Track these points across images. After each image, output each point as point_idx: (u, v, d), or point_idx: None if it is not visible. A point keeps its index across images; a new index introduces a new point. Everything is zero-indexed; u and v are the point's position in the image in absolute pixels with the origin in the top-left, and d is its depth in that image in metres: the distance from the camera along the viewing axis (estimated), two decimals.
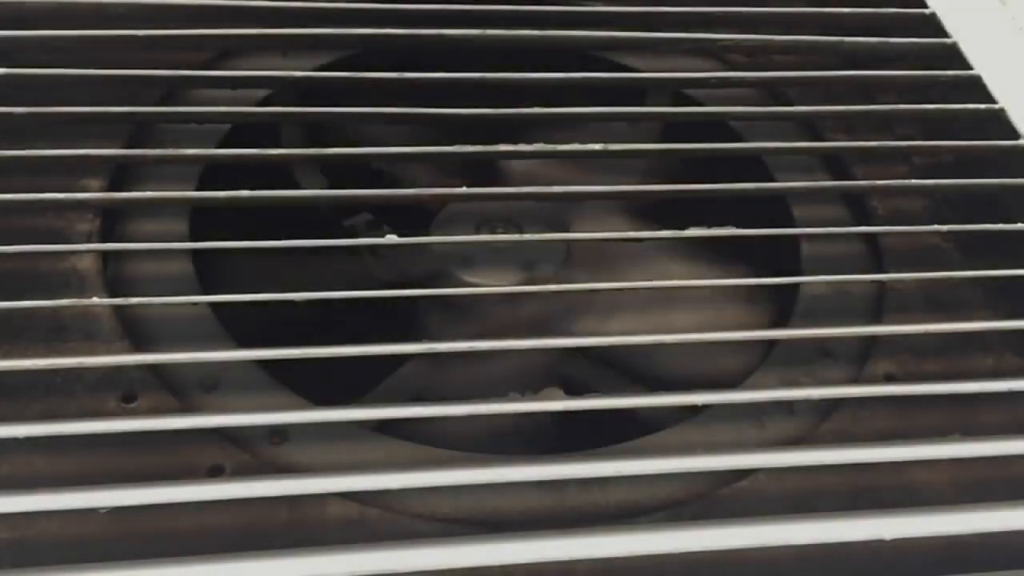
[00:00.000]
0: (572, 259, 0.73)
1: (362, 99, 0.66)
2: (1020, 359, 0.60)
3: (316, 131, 0.81)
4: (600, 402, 0.51)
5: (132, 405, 0.52)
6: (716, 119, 0.75)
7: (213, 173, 0.67)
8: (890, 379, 0.59)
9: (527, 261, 0.71)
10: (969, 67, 0.70)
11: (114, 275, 0.61)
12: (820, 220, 0.71)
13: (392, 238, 0.60)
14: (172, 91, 0.72)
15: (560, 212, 0.77)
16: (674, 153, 0.67)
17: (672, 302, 0.71)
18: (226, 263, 0.66)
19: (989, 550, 0.48)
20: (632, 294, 0.70)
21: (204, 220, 0.65)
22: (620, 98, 0.68)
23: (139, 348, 0.56)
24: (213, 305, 0.58)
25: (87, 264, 0.59)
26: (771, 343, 0.62)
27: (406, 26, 0.69)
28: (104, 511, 0.45)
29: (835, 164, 0.74)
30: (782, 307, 0.66)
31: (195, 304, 0.58)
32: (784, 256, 0.69)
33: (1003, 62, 0.70)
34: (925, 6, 0.75)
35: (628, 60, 0.82)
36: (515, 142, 0.64)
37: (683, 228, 0.62)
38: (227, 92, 0.72)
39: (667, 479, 0.51)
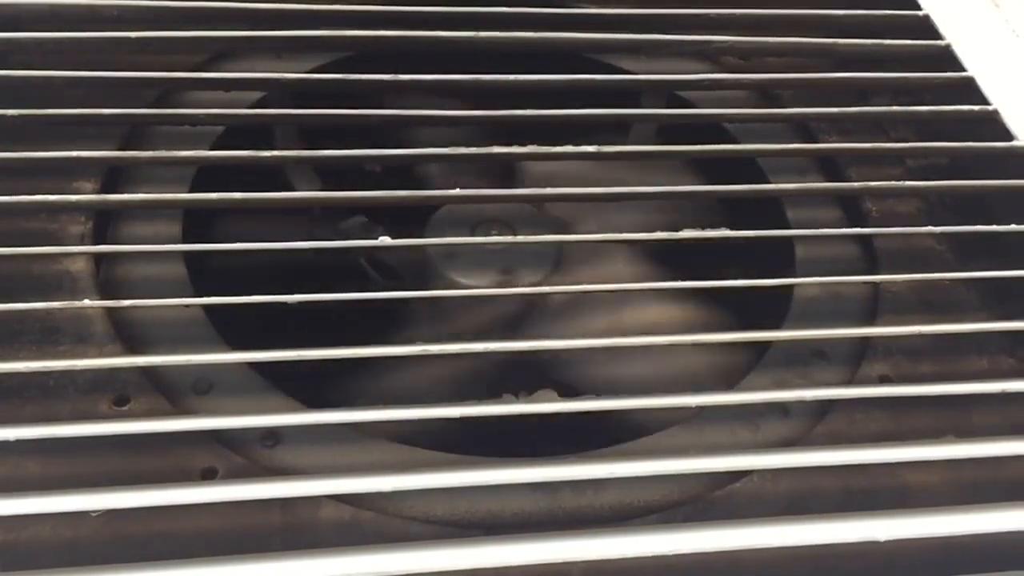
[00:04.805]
0: (566, 262, 0.73)
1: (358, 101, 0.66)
2: (1014, 360, 0.60)
3: (313, 133, 0.81)
4: (594, 404, 0.51)
5: (125, 408, 0.52)
6: (710, 121, 0.75)
7: (207, 175, 0.67)
8: (884, 381, 0.59)
9: (520, 262, 0.71)
10: (963, 69, 0.70)
11: (107, 277, 0.61)
12: (814, 222, 0.71)
13: (386, 239, 0.59)
14: (166, 93, 0.72)
15: (563, 217, 0.77)
16: (669, 155, 0.67)
17: (663, 304, 0.71)
18: (219, 265, 0.66)
19: (983, 551, 0.48)
20: (624, 297, 0.70)
21: (197, 222, 0.65)
22: (615, 100, 0.68)
23: (132, 350, 0.56)
24: (206, 307, 0.58)
25: (80, 266, 0.59)
26: (765, 345, 0.62)
27: (400, 28, 0.69)
28: (96, 514, 0.45)
29: (829, 166, 0.75)
30: (772, 314, 0.66)
31: (188, 306, 0.58)
32: (778, 258, 0.69)
33: (996, 64, 0.71)
34: (919, 8, 0.76)
35: (622, 62, 0.82)
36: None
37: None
38: (221, 94, 0.72)
39: (661, 481, 0.51)
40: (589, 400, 0.51)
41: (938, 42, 0.73)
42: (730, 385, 0.61)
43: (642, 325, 0.71)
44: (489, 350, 0.52)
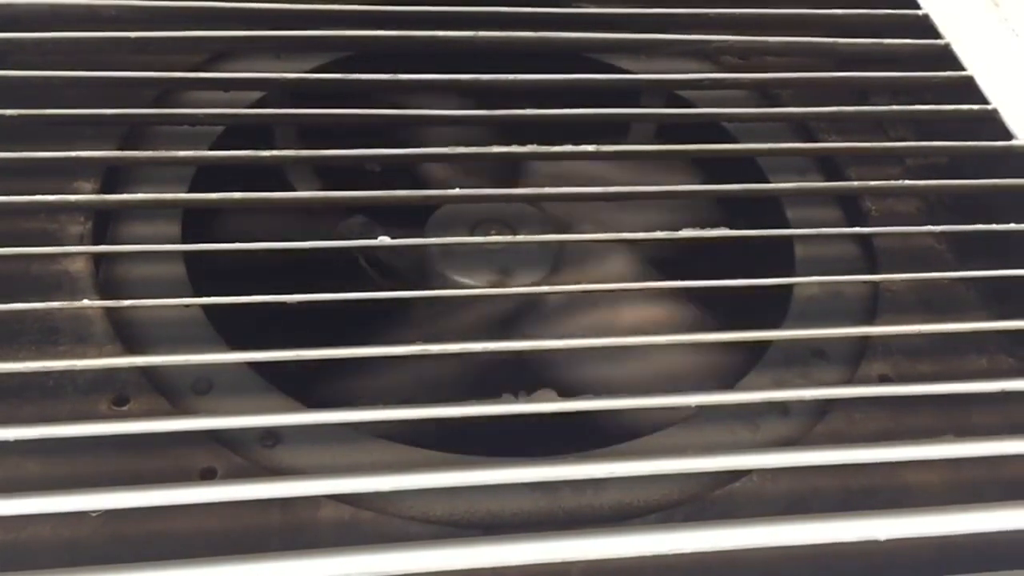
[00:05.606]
0: (566, 261, 0.73)
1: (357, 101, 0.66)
2: (1014, 360, 0.60)
3: (314, 133, 0.81)
4: (593, 404, 0.51)
5: (124, 408, 0.52)
6: (710, 120, 0.75)
7: (206, 175, 0.67)
8: (884, 380, 0.59)
9: (520, 262, 0.71)
10: (962, 68, 0.70)
11: (106, 277, 0.61)
12: (814, 221, 0.71)
13: (385, 239, 0.59)
14: (165, 93, 0.72)
15: (561, 216, 0.77)
16: (669, 155, 0.67)
17: (659, 305, 0.71)
18: (218, 265, 0.66)
19: (982, 550, 0.48)
20: (620, 298, 0.70)
21: (197, 222, 0.65)
22: (614, 100, 0.68)
23: (131, 350, 0.56)
24: (205, 307, 0.58)
25: (79, 266, 0.59)
26: (765, 345, 0.62)
27: (399, 28, 0.69)
28: (96, 514, 0.45)
29: (828, 165, 0.75)
30: (771, 315, 0.66)
31: (187, 306, 0.58)
32: (778, 257, 0.69)
33: (996, 63, 0.71)
34: (918, 7, 0.76)
35: (622, 62, 0.82)
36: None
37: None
38: (220, 94, 0.72)
39: (661, 480, 0.51)
40: (588, 400, 0.51)
41: (937, 41, 0.73)
42: (727, 385, 0.60)
43: (639, 326, 0.71)
44: (488, 350, 0.52)
